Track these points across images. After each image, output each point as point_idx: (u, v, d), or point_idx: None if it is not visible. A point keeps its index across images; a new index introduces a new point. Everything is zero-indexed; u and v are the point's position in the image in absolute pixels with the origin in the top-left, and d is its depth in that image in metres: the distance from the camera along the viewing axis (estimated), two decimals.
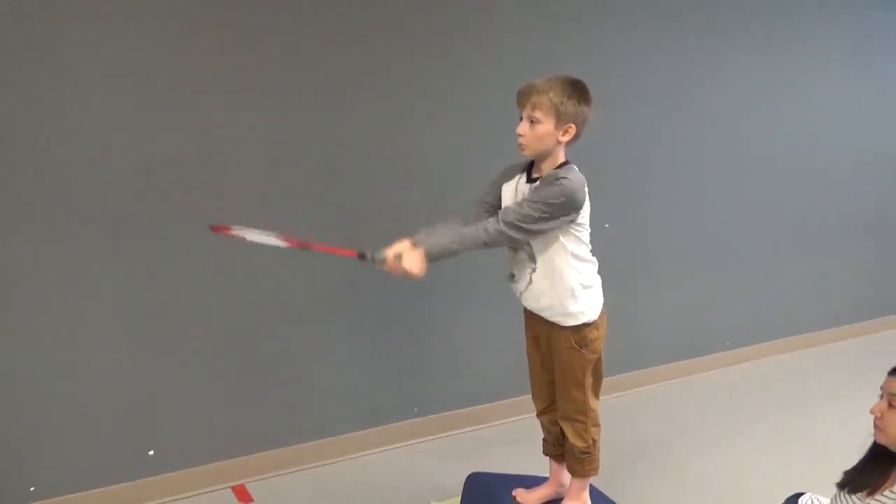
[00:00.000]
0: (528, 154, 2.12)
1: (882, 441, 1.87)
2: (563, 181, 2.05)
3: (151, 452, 2.70)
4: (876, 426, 1.88)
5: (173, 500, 2.72)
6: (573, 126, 2.06)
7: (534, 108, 2.05)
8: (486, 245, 2.07)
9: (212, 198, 2.67)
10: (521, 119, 2.10)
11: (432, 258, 2.03)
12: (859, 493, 1.93)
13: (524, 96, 2.08)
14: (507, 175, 2.27)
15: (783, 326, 4.54)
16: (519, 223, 2.06)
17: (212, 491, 2.80)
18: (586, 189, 2.12)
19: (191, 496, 2.75)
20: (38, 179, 2.40)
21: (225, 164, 2.68)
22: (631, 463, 3.05)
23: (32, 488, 2.52)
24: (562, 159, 2.14)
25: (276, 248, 2.07)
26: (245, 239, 2.10)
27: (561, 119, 2.05)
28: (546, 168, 2.14)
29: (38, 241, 2.43)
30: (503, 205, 2.24)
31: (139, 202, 2.56)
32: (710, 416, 3.59)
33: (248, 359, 2.83)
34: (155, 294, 2.63)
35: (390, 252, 2.01)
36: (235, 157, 2.70)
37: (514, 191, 2.23)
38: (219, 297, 2.73)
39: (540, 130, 2.06)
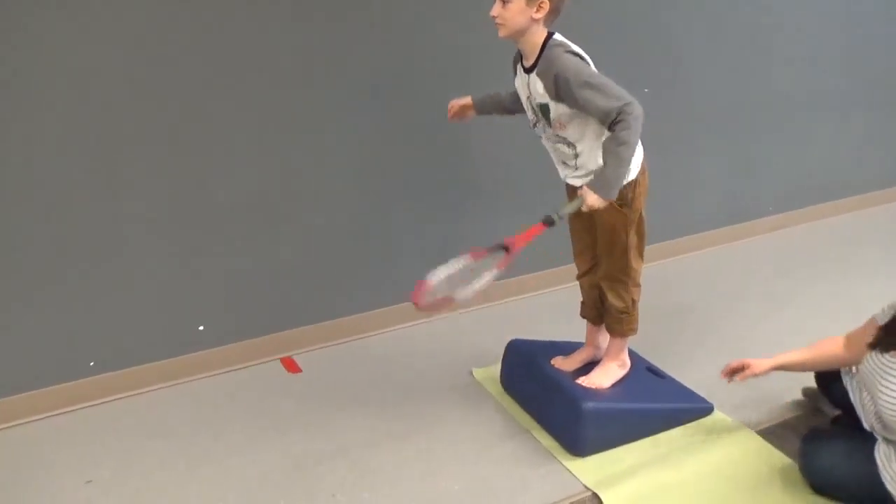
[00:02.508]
0: (504, 35, 2.06)
1: None
2: (563, 59, 2.01)
3: (202, 328, 2.79)
4: None
5: (224, 373, 2.83)
6: (546, 1, 1.98)
7: None
8: (634, 146, 2.03)
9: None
10: (495, 0, 2.03)
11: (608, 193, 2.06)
12: (892, 352, 1.94)
13: None
14: (514, 71, 2.24)
15: (827, 190, 4.42)
16: (614, 107, 1.97)
17: (261, 363, 2.90)
18: (575, 47, 2.07)
19: (241, 368, 2.86)
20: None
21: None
22: (671, 328, 3.07)
23: (92, 363, 2.64)
24: (541, 38, 2.06)
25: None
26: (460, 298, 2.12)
27: None
28: (529, 50, 2.08)
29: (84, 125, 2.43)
30: (522, 99, 2.23)
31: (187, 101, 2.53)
32: (753, 282, 3.57)
33: (294, 234, 2.86)
34: (199, 170, 2.64)
35: (573, 202, 2.09)
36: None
37: (520, 85, 2.20)
38: (260, 174, 2.73)
39: (512, 9, 1.99)
